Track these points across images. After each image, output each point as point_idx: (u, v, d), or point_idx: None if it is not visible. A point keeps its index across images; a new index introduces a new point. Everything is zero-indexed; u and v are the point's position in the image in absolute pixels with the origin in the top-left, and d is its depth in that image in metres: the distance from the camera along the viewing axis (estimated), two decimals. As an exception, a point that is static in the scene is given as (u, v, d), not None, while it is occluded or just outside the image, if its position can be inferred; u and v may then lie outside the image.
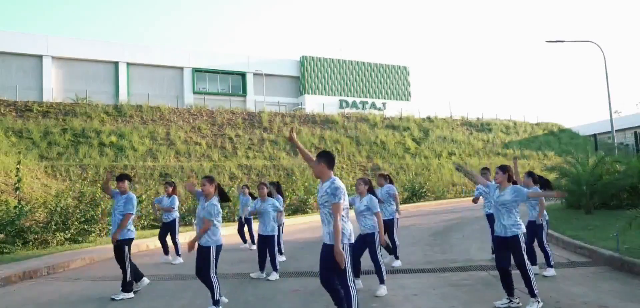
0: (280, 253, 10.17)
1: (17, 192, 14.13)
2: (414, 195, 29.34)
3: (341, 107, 48.50)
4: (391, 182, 9.08)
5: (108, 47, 42.49)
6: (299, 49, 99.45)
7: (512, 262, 5.73)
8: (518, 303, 5.65)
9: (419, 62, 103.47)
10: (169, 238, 10.71)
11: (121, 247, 7.16)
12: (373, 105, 50.76)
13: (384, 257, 8.97)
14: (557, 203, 18.65)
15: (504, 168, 5.96)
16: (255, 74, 47.54)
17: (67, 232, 13.28)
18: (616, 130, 30.53)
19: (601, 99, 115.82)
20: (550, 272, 7.31)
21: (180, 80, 44.96)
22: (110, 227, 8.24)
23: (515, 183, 5.97)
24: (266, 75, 47.00)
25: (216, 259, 6.02)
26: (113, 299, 6.98)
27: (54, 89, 37.88)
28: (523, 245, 5.65)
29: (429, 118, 43.84)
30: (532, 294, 5.52)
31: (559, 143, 45.73)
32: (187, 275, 8.77)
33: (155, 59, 43.87)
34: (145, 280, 7.59)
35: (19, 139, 24.52)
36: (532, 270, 5.64)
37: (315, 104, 45.52)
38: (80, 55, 40.69)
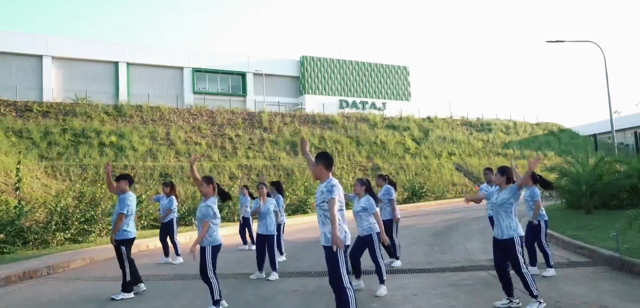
0: (281, 253, 10.17)
1: (17, 192, 14.12)
2: (414, 195, 29.33)
3: (341, 107, 48.51)
4: (391, 183, 9.05)
5: (108, 47, 42.50)
6: (299, 49, 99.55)
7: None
8: (518, 303, 5.65)
9: (419, 62, 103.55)
10: (169, 239, 10.70)
11: (118, 248, 7.15)
12: (373, 105, 50.76)
13: (383, 258, 9.03)
14: (557, 203, 18.67)
15: (502, 170, 5.96)
16: (255, 74, 47.55)
17: (67, 232, 13.28)
18: (616, 130, 30.54)
19: (601, 99, 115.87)
20: (550, 272, 7.31)
21: (180, 80, 44.96)
22: (111, 227, 8.23)
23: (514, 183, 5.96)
24: (266, 75, 47.00)
25: (213, 259, 6.01)
26: (113, 299, 6.98)
27: (54, 89, 37.89)
28: (518, 248, 5.62)
29: (429, 118, 43.84)
30: (532, 295, 5.51)
31: (559, 143, 45.73)
32: (187, 275, 8.77)
33: (155, 59, 43.88)
34: (142, 286, 7.43)
35: (19, 139, 24.52)
36: (529, 272, 5.61)
37: (315, 104, 45.53)
38: (80, 55, 40.70)
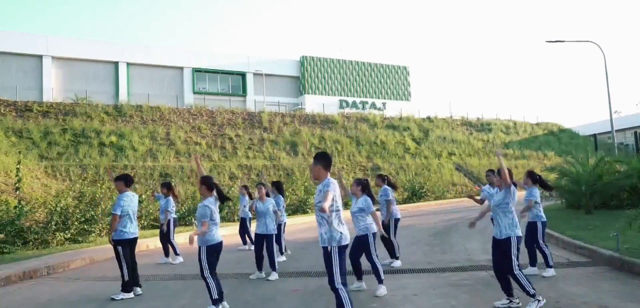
0: (281, 252, 10.16)
1: (17, 192, 14.13)
2: (414, 195, 29.32)
3: (341, 107, 48.51)
4: (389, 184, 9.06)
5: (108, 47, 42.50)
6: (299, 49, 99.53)
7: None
8: (518, 303, 5.65)
9: (419, 62, 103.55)
10: (174, 239, 10.71)
11: (115, 248, 7.17)
12: (373, 105, 50.75)
13: (383, 259, 9.02)
14: (557, 203, 18.67)
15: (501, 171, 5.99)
16: (255, 74, 47.55)
17: (67, 232, 13.29)
18: (616, 130, 30.54)
19: (601, 99, 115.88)
20: (550, 272, 7.30)
21: (180, 80, 44.96)
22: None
23: (514, 184, 5.98)
24: (266, 75, 47.00)
25: (207, 259, 6.00)
26: (113, 299, 6.99)
27: (54, 89, 37.89)
28: (514, 249, 5.63)
29: (429, 118, 43.83)
30: (529, 294, 5.52)
31: (559, 143, 45.74)
32: (187, 275, 8.78)
33: (155, 59, 43.88)
34: (138, 290, 7.34)
35: (19, 139, 24.52)
36: (522, 273, 5.59)
37: (315, 104, 45.52)
38: (80, 55, 40.71)
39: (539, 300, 5.47)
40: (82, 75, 40.32)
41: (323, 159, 4.89)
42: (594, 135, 47.71)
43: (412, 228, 15.00)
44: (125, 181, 7.43)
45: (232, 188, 21.78)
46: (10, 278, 8.71)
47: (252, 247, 11.92)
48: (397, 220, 8.99)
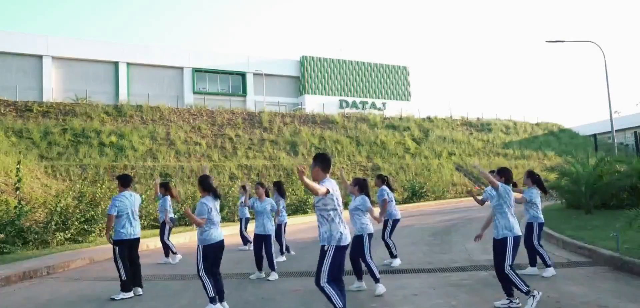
0: (282, 253, 10.15)
1: (17, 192, 14.12)
2: (414, 195, 29.33)
3: (341, 107, 48.51)
4: (388, 184, 9.10)
5: (108, 47, 42.51)
6: (299, 49, 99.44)
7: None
8: (518, 303, 5.65)
9: (419, 62, 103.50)
10: (169, 239, 10.70)
11: (113, 248, 7.19)
12: (373, 105, 50.76)
13: (383, 259, 9.04)
14: (557, 203, 18.68)
15: (500, 172, 6.07)
16: (255, 74, 47.55)
17: (67, 232, 13.29)
18: (616, 130, 30.51)
19: (601, 99, 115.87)
20: (549, 272, 7.30)
21: (180, 80, 44.97)
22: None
23: (515, 185, 6.01)
24: (266, 75, 47.00)
25: (204, 258, 6.02)
26: (113, 299, 6.99)
27: (54, 89, 37.89)
28: (509, 249, 5.65)
29: (429, 118, 43.84)
30: (522, 292, 5.54)
31: (559, 143, 45.74)
32: (187, 275, 8.78)
33: (155, 59, 43.88)
34: (139, 290, 7.30)
35: (19, 139, 24.52)
36: (513, 272, 5.59)
37: (315, 104, 45.52)
38: (80, 55, 40.71)
39: (534, 296, 5.48)
40: (82, 75, 40.33)
41: (321, 160, 4.90)
42: (594, 135, 47.68)
43: (412, 228, 15.00)
44: (122, 181, 7.45)
45: (232, 189, 21.78)
46: (10, 278, 8.72)
47: (252, 247, 11.96)
48: (396, 221, 9.01)
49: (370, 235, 6.94)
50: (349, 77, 51.94)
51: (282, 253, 10.12)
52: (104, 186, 16.11)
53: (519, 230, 5.78)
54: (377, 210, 8.56)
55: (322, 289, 4.70)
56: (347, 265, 6.30)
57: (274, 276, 8.07)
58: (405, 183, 30.77)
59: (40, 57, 39.24)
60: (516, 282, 5.53)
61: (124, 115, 30.25)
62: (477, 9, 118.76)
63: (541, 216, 7.61)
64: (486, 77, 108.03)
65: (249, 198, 9.57)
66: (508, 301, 5.71)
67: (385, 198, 8.75)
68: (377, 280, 6.73)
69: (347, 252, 5.13)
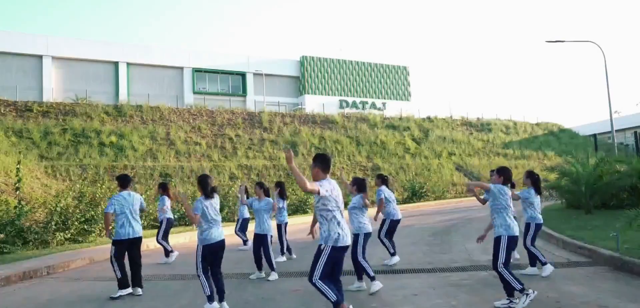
0: (282, 253, 10.14)
1: (17, 192, 14.12)
2: (414, 195, 29.32)
3: (341, 107, 48.50)
4: (387, 184, 9.12)
5: (108, 47, 42.51)
6: (299, 49, 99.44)
7: (512, 260, 5.76)
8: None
9: (419, 62, 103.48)
10: (170, 238, 10.72)
11: (111, 247, 7.24)
12: (373, 105, 50.75)
13: (383, 259, 9.05)
14: (557, 203, 18.68)
15: (499, 171, 6.13)
16: (255, 74, 47.55)
17: (67, 232, 13.28)
18: (616, 130, 30.52)
19: (601, 99, 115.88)
20: (547, 270, 7.30)
21: (180, 80, 44.97)
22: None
23: (513, 186, 6.05)
24: (266, 75, 47.00)
25: (203, 258, 6.06)
26: (112, 298, 7.01)
27: (54, 89, 37.90)
28: (503, 246, 5.69)
29: (429, 118, 43.84)
30: (516, 290, 5.57)
31: (559, 143, 45.74)
32: (187, 275, 8.78)
33: (155, 59, 43.88)
34: (139, 291, 7.25)
35: (19, 139, 24.52)
36: (506, 271, 5.61)
37: (315, 104, 45.52)
38: (80, 55, 40.72)
39: (527, 294, 5.49)
40: (82, 75, 40.33)
41: (321, 161, 4.93)
42: (594, 135, 47.66)
43: (412, 228, 15.00)
44: (120, 182, 7.52)
45: (232, 189, 21.77)
46: (10, 278, 8.71)
47: (250, 244, 11.95)
48: (394, 221, 9.03)
49: (367, 235, 6.99)
50: (349, 77, 51.94)
51: (282, 253, 10.12)
52: (104, 186, 16.11)
53: (515, 231, 5.79)
54: (373, 211, 8.64)
55: (314, 284, 4.75)
56: (348, 265, 6.32)
57: (273, 276, 8.08)
58: (405, 184, 30.77)
59: (40, 57, 39.24)
60: (509, 281, 5.58)
61: (124, 115, 30.25)
62: (477, 9, 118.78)
63: (539, 217, 7.62)
64: (486, 77, 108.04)
65: (247, 199, 9.59)
66: (508, 301, 5.71)
67: (381, 198, 8.81)
68: (372, 278, 6.79)
69: (347, 253, 5.15)
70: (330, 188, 4.83)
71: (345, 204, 5.67)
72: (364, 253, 6.97)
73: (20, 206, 13.26)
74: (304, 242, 13.08)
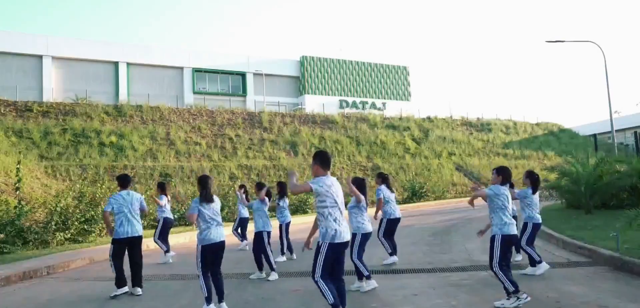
0: (282, 252, 10.14)
1: (17, 192, 14.12)
2: (414, 195, 29.33)
3: (341, 107, 48.50)
4: (386, 183, 9.12)
5: (108, 47, 42.51)
6: (299, 49, 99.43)
7: (512, 260, 5.77)
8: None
9: (419, 62, 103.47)
10: (170, 238, 10.74)
11: (110, 245, 7.27)
12: (373, 105, 50.75)
13: (383, 259, 9.05)
14: (557, 203, 18.67)
15: (498, 171, 6.16)
16: (255, 74, 47.55)
17: (67, 232, 13.28)
18: (616, 130, 30.50)
19: (601, 99, 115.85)
20: (542, 268, 7.33)
21: (180, 80, 44.96)
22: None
23: (512, 186, 6.06)
24: (266, 75, 47.00)
25: (202, 258, 6.06)
26: (111, 297, 7.02)
27: (54, 89, 37.90)
28: (497, 245, 5.72)
29: (429, 118, 43.83)
30: (508, 292, 5.58)
31: (559, 143, 45.73)
32: (187, 275, 8.79)
33: (155, 59, 43.88)
34: (139, 290, 7.23)
35: (19, 139, 24.52)
36: (501, 272, 5.63)
37: (315, 104, 45.52)
38: (80, 55, 40.72)
39: (518, 298, 5.50)
40: (82, 75, 40.33)
41: (321, 158, 4.97)
42: (594, 135, 47.67)
43: (412, 228, 15.00)
44: (120, 181, 7.58)
45: (232, 188, 21.78)
46: (10, 278, 8.71)
47: (244, 245, 11.96)
48: (392, 220, 9.03)
49: (364, 235, 7.00)
50: (349, 77, 51.94)
51: (282, 253, 10.12)
52: (104, 186, 16.11)
53: (511, 230, 5.80)
54: (373, 210, 8.64)
55: (316, 283, 4.80)
56: (348, 265, 6.32)
57: (274, 276, 8.08)
58: (405, 184, 30.77)
59: (40, 57, 39.25)
60: (502, 280, 5.61)
61: (124, 115, 30.25)
62: (477, 9, 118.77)
63: (537, 217, 7.62)
64: (486, 77, 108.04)
65: (248, 202, 9.63)
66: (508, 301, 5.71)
67: (380, 197, 8.83)
68: (368, 277, 6.87)
69: (347, 251, 5.16)
70: (328, 184, 4.85)
71: (346, 204, 5.68)
72: (360, 253, 6.96)
73: (20, 206, 13.26)
74: (304, 241, 13.09)
